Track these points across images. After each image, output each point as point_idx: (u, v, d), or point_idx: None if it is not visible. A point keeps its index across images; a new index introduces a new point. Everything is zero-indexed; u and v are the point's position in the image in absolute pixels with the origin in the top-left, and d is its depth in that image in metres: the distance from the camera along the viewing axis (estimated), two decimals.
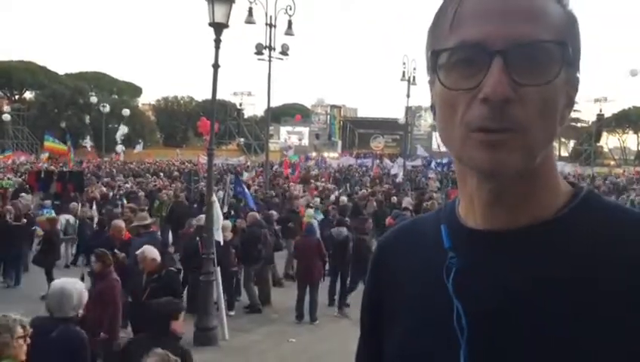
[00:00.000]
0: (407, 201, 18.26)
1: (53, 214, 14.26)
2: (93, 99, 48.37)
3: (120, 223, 9.79)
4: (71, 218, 13.77)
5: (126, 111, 50.40)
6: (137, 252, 7.32)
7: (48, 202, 16.31)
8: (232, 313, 10.15)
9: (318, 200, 18.27)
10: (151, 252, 7.20)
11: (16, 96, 71.89)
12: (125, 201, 17.26)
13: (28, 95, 72.17)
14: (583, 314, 0.80)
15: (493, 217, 0.88)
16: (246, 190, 19.11)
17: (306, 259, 10.20)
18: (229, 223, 10.69)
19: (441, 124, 0.87)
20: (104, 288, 6.45)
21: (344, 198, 18.26)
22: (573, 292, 0.81)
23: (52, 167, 28.59)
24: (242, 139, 60.41)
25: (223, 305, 9.15)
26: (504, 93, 0.77)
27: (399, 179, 28.51)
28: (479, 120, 0.79)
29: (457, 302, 0.86)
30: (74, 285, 4.66)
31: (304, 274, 10.17)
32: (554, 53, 0.80)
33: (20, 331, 3.53)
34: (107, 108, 44.97)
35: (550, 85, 0.79)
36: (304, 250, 10.34)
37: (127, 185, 23.49)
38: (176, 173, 31.12)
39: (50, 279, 11.30)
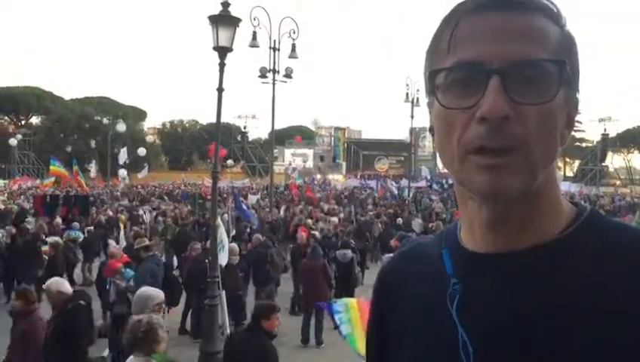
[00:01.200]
0: (417, 224, 18.22)
1: (81, 235, 14.47)
2: (105, 121, 48.18)
3: (116, 250, 9.79)
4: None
5: (122, 127, 49.15)
6: (44, 285, 6.55)
7: (76, 224, 16.82)
8: None
9: (320, 224, 18.24)
10: (57, 284, 6.33)
11: (23, 121, 72.43)
12: (121, 225, 17.32)
13: (34, 120, 72.72)
14: (589, 337, 0.78)
15: (495, 240, 0.87)
16: (244, 206, 19.14)
17: (311, 282, 10.11)
18: (235, 246, 10.67)
19: (439, 145, 0.86)
20: (26, 329, 5.91)
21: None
22: (579, 315, 0.79)
23: (57, 192, 28.63)
24: (243, 162, 60.51)
25: (228, 329, 9.07)
26: (502, 111, 0.77)
27: (397, 194, 28.49)
28: (477, 139, 0.79)
29: (462, 330, 0.85)
30: (147, 292, 5.53)
31: (310, 297, 10.05)
32: (552, 72, 0.79)
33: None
34: (123, 127, 44.95)
35: (549, 104, 0.79)
36: (309, 273, 10.24)
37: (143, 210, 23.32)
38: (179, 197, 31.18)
39: None
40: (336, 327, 6.62)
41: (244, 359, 4.71)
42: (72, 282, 13.48)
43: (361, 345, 5.91)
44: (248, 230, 16.11)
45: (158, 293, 5.53)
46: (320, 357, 9.49)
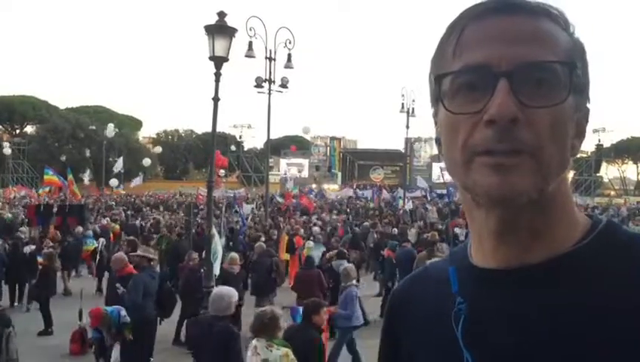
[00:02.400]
0: (413, 234, 18.26)
1: (95, 244, 14.53)
2: (109, 132, 47.50)
3: (121, 256, 9.67)
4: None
5: (110, 132, 47.84)
6: None
7: (90, 232, 17.11)
8: None
9: (317, 229, 18.27)
10: None
11: (17, 130, 72.20)
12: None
13: (29, 129, 72.48)
14: (607, 356, 0.73)
15: (505, 253, 0.83)
16: (241, 210, 19.16)
17: (306, 292, 10.08)
18: (236, 256, 10.66)
19: (445, 152, 0.83)
20: None
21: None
22: (595, 333, 0.74)
23: (51, 201, 28.50)
24: (238, 172, 60.43)
25: None
26: (511, 113, 0.74)
27: (399, 206, 28.47)
28: (484, 142, 0.76)
29: (467, 353, 0.82)
30: (228, 291, 6.11)
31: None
32: (562, 75, 0.76)
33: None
34: (112, 133, 44.59)
35: (559, 108, 0.76)
36: (304, 283, 10.24)
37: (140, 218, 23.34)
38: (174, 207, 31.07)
39: (45, 313, 11.20)
40: None
41: (297, 350, 5.25)
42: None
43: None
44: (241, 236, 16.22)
45: (233, 292, 6.16)
46: None
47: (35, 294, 11.63)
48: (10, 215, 23.65)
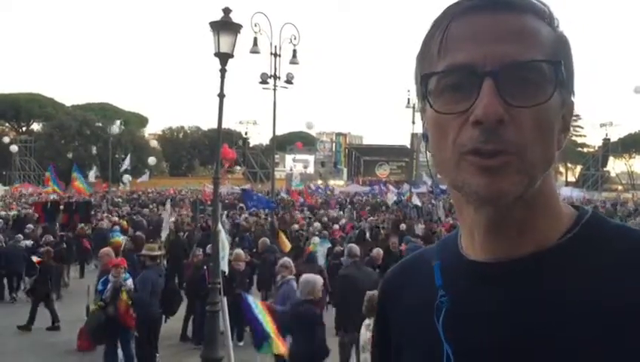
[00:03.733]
0: (420, 229, 18.29)
1: (122, 238, 14.72)
2: (114, 129, 47.69)
3: (108, 251, 9.91)
4: None
5: (115, 128, 48.15)
6: None
7: (117, 226, 17.80)
8: (241, 344, 10.04)
9: (318, 225, 18.33)
10: None
11: (24, 128, 72.55)
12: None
13: (35, 126, 72.84)
14: (589, 347, 0.74)
15: (494, 246, 0.84)
16: (258, 196, 19.16)
17: None
18: (241, 252, 10.68)
19: (433, 150, 0.84)
20: None
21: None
22: (578, 328, 0.76)
23: (57, 198, 28.60)
24: (244, 168, 60.49)
25: (229, 336, 9.04)
26: (496, 114, 0.74)
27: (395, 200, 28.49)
28: (471, 143, 0.76)
29: (447, 345, 0.83)
30: (313, 278, 6.93)
31: None
32: (547, 73, 0.77)
33: None
34: (116, 129, 44.84)
35: (544, 106, 0.76)
36: None
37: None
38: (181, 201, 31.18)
39: (49, 308, 11.23)
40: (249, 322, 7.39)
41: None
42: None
43: (276, 346, 6.79)
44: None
45: (318, 279, 6.96)
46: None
47: (32, 290, 11.62)
48: (16, 212, 23.75)
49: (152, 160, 46.51)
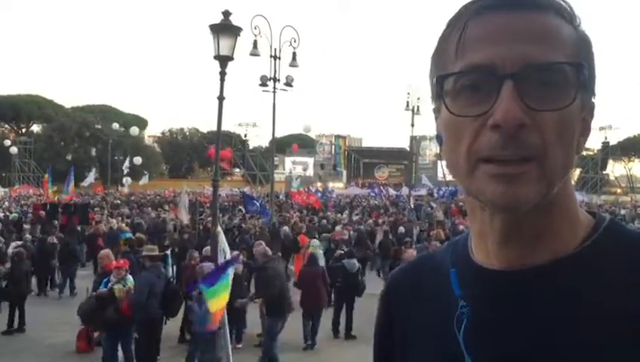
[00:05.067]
0: (418, 232, 18.29)
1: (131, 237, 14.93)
2: (114, 125, 47.94)
3: (107, 252, 9.97)
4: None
5: (135, 130, 50.02)
6: None
7: (127, 227, 18.08)
8: (240, 345, 10.05)
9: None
10: None
11: (23, 130, 72.49)
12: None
13: (35, 128, 72.77)
14: (610, 358, 0.72)
15: (508, 254, 0.81)
16: (258, 203, 19.08)
17: (310, 288, 10.23)
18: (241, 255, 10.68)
19: (447, 153, 0.80)
20: None
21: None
22: (598, 335, 0.73)
23: (57, 199, 28.56)
24: (243, 170, 60.44)
25: (228, 338, 9.03)
26: (517, 118, 0.71)
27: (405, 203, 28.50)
28: (489, 149, 0.73)
29: (468, 358, 0.80)
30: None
31: (308, 303, 10.18)
32: (569, 76, 0.73)
33: None
34: (136, 131, 44.82)
35: (567, 110, 0.73)
36: (308, 280, 10.36)
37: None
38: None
39: (20, 312, 11.13)
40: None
41: None
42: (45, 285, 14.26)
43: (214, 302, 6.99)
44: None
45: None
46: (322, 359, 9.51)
47: (5, 293, 11.24)
48: (15, 214, 23.74)
49: (137, 160, 46.46)
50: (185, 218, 15.85)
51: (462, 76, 0.76)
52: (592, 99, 0.81)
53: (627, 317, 0.73)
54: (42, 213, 20.60)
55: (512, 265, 0.81)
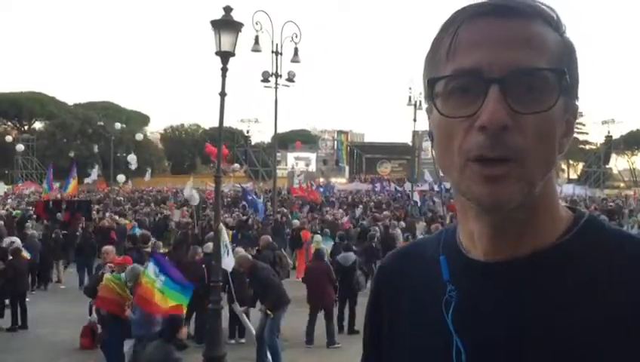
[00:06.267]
0: (421, 227, 18.29)
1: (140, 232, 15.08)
2: (117, 124, 48.03)
3: (110, 248, 10.24)
4: None
5: (139, 136, 50.74)
6: None
7: (135, 223, 18.45)
8: (243, 340, 10.08)
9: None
10: None
11: (26, 127, 72.56)
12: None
13: (37, 125, 72.84)
14: (587, 344, 0.77)
15: (494, 248, 0.86)
16: (256, 198, 19.15)
17: (317, 284, 10.24)
18: (242, 251, 10.67)
19: (438, 151, 0.86)
20: None
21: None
22: (575, 322, 0.79)
23: (59, 196, 28.60)
24: (245, 166, 60.46)
25: (246, 320, 9.20)
26: (501, 121, 0.76)
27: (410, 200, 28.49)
28: (477, 148, 0.78)
29: (457, 338, 0.85)
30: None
31: (315, 299, 10.20)
32: (551, 81, 0.79)
33: None
34: (118, 125, 44.87)
35: (548, 113, 0.78)
36: (314, 276, 10.35)
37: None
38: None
39: (21, 309, 11.18)
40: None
41: None
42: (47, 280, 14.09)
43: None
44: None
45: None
46: (323, 359, 9.51)
47: (5, 290, 11.28)
48: (19, 211, 23.79)
49: (131, 158, 46.38)
50: (177, 215, 15.90)
51: (452, 79, 0.81)
52: (576, 103, 0.86)
53: (604, 306, 0.78)
54: (42, 211, 20.64)
55: (497, 258, 0.86)
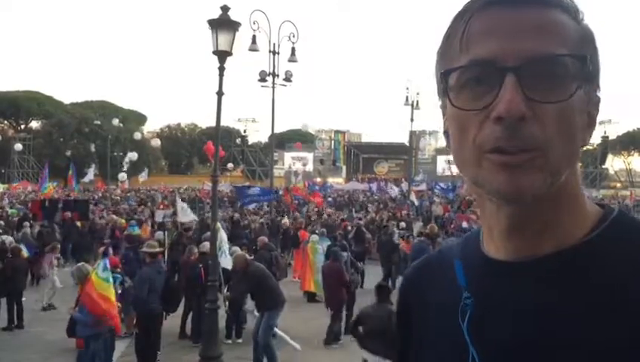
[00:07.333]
0: (418, 227, 18.33)
1: (138, 231, 14.94)
2: (114, 121, 48.02)
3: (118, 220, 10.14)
4: None
5: (137, 135, 50.77)
6: None
7: (134, 221, 18.33)
8: (240, 340, 10.06)
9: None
10: None
11: (22, 126, 72.36)
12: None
13: (34, 124, 72.64)
14: (617, 349, 0.71)
15: (514, 245, 0.82)
16: (250, 191, 19.20)
17: (330, 285, 10.42)
18: (239, 250, 10.67)
19: (454, 148, 0.82)
20: None
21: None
22: (603, 327, 0.73)
23: (56, 196, 28.57)
24: (242, 166, 60.43)
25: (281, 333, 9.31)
26: (518, 110, 0.72)
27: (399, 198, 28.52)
28: (493, 140, 0.74)
29: (472, 348, 0.82)
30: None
31: (329, 299, 10.51)
32: (571, 68, 0.75)
33: None
34: (116, 121, 44.84)
35: (568, 102, 0.74)
36: (325, 276, 10.56)
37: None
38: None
39: (17, 308, 11.11)
40: None
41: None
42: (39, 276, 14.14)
43: None
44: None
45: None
46: (324, 358, 9.51)
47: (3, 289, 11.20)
48: (14, 210, 23.73)
49: (132, 155, 46.40)
50: (185, 219, 15.84)
51: (465, 70, 0.78)
52: (598, 93, 0.81)
53: (633, 307, 0.72)
54: (38, 210, 20.62)
55: (519, 256, 0.82)
